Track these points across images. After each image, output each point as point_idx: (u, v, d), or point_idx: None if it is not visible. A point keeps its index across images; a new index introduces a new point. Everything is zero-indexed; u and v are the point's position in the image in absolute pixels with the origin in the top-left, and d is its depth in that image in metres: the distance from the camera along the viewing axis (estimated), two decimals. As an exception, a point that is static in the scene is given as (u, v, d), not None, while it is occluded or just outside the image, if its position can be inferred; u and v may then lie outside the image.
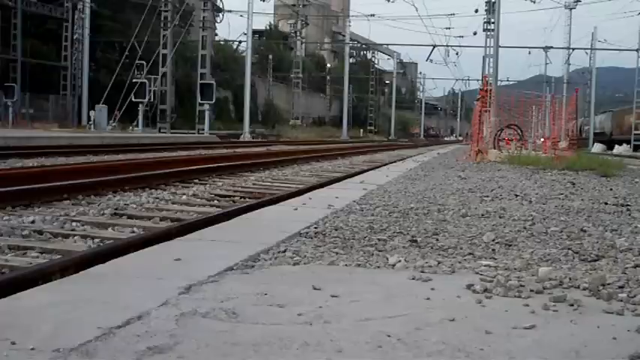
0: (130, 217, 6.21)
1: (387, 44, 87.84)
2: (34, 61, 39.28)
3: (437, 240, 3.91)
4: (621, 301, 2.58)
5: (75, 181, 7.71)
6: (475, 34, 43.81)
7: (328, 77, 78.47)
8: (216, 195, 8.22)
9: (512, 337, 2.10)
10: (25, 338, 1.91)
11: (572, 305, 2.50)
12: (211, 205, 7.40)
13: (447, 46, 51.64)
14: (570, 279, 2.91)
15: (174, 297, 2.44)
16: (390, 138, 65.31)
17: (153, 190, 8.26)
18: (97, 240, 4.98)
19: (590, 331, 2.20)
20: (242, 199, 7.97)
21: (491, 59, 28.33)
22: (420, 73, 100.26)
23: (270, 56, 64.25)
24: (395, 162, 16.25)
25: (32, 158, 13.13)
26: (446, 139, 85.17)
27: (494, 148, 17.93)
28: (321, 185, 9.03)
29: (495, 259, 3.40)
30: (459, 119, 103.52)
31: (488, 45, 30.74)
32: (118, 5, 43.44)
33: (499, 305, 2.50)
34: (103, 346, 1.90)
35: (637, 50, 43.82)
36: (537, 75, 67.70)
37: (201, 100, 33.78)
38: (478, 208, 5.58)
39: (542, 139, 22.56)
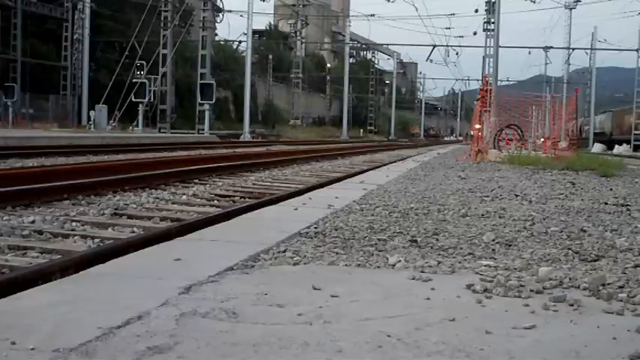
0: (130, 217, 6.21)
1: (387, 44, 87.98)
2: (34, 61, 39.29)
3: (437, 240, 3.91)
4: (621, 301, 2.58)
5: (75, 181, 7.71)
6: (475, 34, 43.78)
7: (328, 77, 78.46)
8: (216, 195, 8.22)
9: (512, 337, 2.10)
10: (25, 338, 1.91)
11: (572, 305, 2.50)
12: (211, 205, 7.40)
13: (447, 46, 51.59)
14: (570, 279, 2.91)
15: (174, 297, 2.44)
16: (390, 138, 65.31)
17: (153, 190, 8.26)
18: (97, 240, 4.98)
19: (590, 331, 2.20)
20: (242, 199, 7.97)
21: (491, 59, 28.35)
22: (420, 73, 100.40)
23: (270, 56, 64.26)
24: (395, 162, 16.25)
25: (32, 158, 13.14)
26: (446, 139, 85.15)
27: (494, 148, 17.94)
28: (321, 185, 9.03)
29: (495, 259, 3.40)
30: (459, 119, 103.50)
31: (488, 45, 30.75)
32: (118, 5, 43.48)
33: (499, 305, 2.50)
34: (103, 346, 1.90)
35: (637, 50, 43.80)
36: (537, 75, 67.72)
37: (201, 100, 33.77)
38: (478, 208, 5.58)
39: (542, 139, 22.54)
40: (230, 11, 40.64)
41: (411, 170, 11.07)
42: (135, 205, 6.85)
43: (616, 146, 35.16)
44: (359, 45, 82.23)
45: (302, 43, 64.09)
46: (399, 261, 3.24)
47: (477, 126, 18.23)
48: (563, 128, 24.90)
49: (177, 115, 38.47)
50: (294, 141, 35.64)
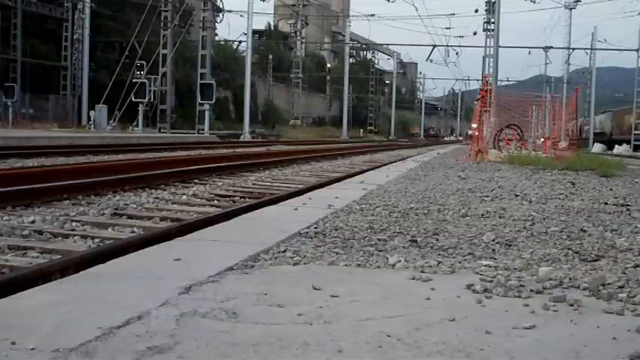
0: (130, 217, 6.21)
1: (387, 44, 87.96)
2: (34, 61, 39.28)
3: (437, 240, 3.91)
4: (621, 301, 2.58)
5: (75, 181, 7.71)
6: (475, 34, 43.75)
7: (328, 77, 78.45)
8: (216, 195, 8.22)
9: (512, 337, 2.10)
10: (25, 338, 1.91)
11: (572, 305, 2.50)
12: (211, 205, 7.40)
13: (447, 46, 51.55)
14: (570, 279, 2.91)
15: (174, 297, 2.44)
16: (390, 138, 65.31)
17: (153, 190, 8.26)
18: (97, 240, 4.98)
19: (590, 331, 2.20)
20: (242, 199, 7.97)
21: (491, 59, 28.35)
22: (420, 73, 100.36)
23: (270, 56, 64.25)
24: (395, 162, 16.25)
25: (32, 158, 13.14)
26: (446, 139, 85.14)
27: (494, 148, 17.93)
28: (321, 185, 9.03)
29: (495, 259, 3.40)
30: (459, 119, 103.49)
31: (488, 45, 30.75)
32: (118, 5, 43.48)
33: (499, 305, 2.50)
34: (103, 346, 1.90)
35: (637, 50, 43.80)
36: (537, 75, 67.68)
37: (201, 100, 33.77)
38: (478, 208, 5.58)
39: (542, 139, 22.53)
40: (230, 11, 40.66)
41: (411, 170, 11.07)
42: (135, 205, 6.85)
43: (616, 146, 35.16)
44: (359, 45, 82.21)
45: (302, 43, 64.09)
46: (399, 261, 3.24)
47: (474, 125, 18.20)
48: (563, 128, 24.89)
49: (178, 115, 38.46)
50: (294, 141, 35.64)
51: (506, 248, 3.72)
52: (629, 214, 5.45)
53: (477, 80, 47.48)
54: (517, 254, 3.53)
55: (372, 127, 75.67)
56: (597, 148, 36.44)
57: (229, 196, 8.21)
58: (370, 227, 4.30)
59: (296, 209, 5.25)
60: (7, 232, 5.04)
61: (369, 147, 31.37)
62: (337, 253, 3.43)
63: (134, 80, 34.07)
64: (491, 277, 2.89)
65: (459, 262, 3.29)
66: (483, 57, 30.95)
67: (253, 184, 10.06)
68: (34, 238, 4.95)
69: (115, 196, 7.45)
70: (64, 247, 4.71)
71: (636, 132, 37.10)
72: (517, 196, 6.82)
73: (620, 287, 2.78)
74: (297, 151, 20.20)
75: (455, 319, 2.27)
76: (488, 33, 31.68)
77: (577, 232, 4.30)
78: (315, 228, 4.20)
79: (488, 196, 6.65)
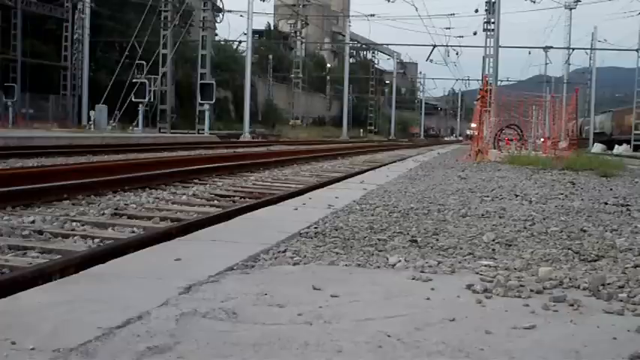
0: (130, 217, 6.21)
1: (387, 44, 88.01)
2: (34, 61, 39.27)
3: (437, 240, 3.91)
4: (621, 301, 2.58)
5: (75, 181, 7.71)
6: (475, 34, 43.62)
7: (328, 77, 78.44)
8: (216, 195, 8.22)
9: (512, 337, 2.10)
10: (25, 338, 1.91)
11: (572, 305, 2.50)
12: (211, 205, 7.40)
13: (447, 46, 51.48)
14: (570, 279, 2.91)
15: (175, 297, 2.44)
16: (390, 138, 65.32)
17: (153, 190, 8.26)
18: (97, 240, 4.98)
19: (590, 331, 2.20)
20: (242, 199, 7.97)
21: (491, 59, 28.37)
22: (420, 73, 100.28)
23: (270, 56, 64.25)
24: (395, 162, 16.24)
25: (32, 158, 13.14)
26: (446, 139, 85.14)
27: (494, 148, 17.93)
28: (321, 185, 9.03)
29: (495, 259, 3.40)
30: (459, 119, 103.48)
31: (488, 45, 30.75)
32: (118, 5, 43.48)
33: (499, 305, 2.50)
34: (103, 346, 1.90)
35: (637, 50, 43.77)
36: (537, 75, 67.59)
37: (201, 100, 33.79)
38: (478, 208, 5.58)
39: (542, 139, 22.52)
40: (230, 11, 40.57)
41: (411, 170, 11.07)
42: (135, 205, 6.85)
43: (616, 146, 35.16)
44: (359, 45, 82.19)
45: (302, 43, 64.09)
46: (399, 261, 3.24)
47: (473, 125, 18.19)
48: (563, 128, 24.87)
49: (178, 115, 38.47)
50: (294, 141, 35.65)
51: (506, 248, 3.72)
52: (629, 214, 5.45)
53: (477, 80, 47.52)
54: (517, 254, 3.53)
55: (372, 127, 75.66)
56: (597, 148, 36.43)
57: (229, 196, 8.21)
58: (370, 227, 4.30)
59: (296, 209, 5.25)
60: (7, 232, 5.04)
61: (369, 147, 31.37)
62: (337, 253, 3.43)
63: (134, 80, 34.06)
64: (491, 277, 2.89)
65: (459, 262, 3.29)
66: (483, 57, 30.94)
67: (253, 184, 10.06)
68: (34, 238, 4.95)
69: (115, 196, 7.45)
70: (64, 247, 4.71)
71: (636, 132, 37.10)
72: (517, 196, 6.81)
73: (620, 287, 2.79)
74: (297, 151, 20.20)
75: (455, 319, 2.27)
76: (488, 33, 31.66)
77: (577, 232, 4.30)
78: (315, 228, 4.20)
79: (488, 196, 6.65)
